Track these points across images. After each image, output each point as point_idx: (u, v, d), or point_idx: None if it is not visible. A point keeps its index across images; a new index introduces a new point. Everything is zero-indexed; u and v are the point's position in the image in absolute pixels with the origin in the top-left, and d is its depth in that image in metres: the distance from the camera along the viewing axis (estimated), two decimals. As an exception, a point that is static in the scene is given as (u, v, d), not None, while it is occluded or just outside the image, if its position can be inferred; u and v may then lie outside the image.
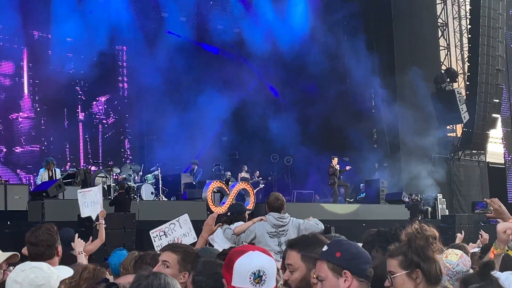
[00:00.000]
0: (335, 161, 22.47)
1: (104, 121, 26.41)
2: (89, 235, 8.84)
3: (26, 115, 24.28)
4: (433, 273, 3.40)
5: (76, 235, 6.77)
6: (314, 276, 3.33)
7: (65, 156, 24.74)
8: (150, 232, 7.10)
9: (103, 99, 26.40)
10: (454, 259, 4.29)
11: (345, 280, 3.22)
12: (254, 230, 7.83)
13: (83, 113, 25.75)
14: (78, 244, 6.62)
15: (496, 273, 3.84)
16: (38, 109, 24.52)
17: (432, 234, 3.43)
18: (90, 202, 9.80)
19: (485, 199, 6.77)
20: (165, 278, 3.03)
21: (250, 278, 3.04)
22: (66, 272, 3.48)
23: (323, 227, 8.11)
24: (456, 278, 4.29)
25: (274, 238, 7.73)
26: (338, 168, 22.49)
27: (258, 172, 24.02)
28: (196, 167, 22.49)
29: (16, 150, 23.83)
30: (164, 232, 6.47)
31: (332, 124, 25.93)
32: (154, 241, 6.52)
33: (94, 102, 26.07)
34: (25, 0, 22.93)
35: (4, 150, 23.43)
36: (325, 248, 3.32)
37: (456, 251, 4.46)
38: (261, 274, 3.05)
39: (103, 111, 26.39)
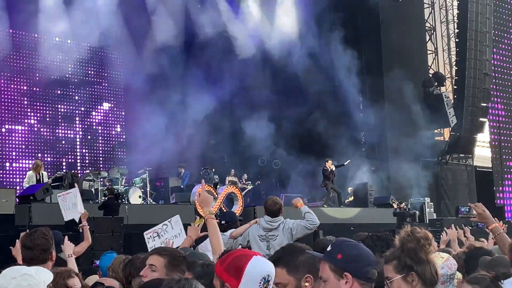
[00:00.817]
0: (329, 163, 22.47)
1: (94, 125, 26.37)
2: (77, 239, 8.81)
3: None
4: (428, 275, 3.40)
5: (66, 237, 6.73)
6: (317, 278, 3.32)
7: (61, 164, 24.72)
8: (144, 233, 7.10)
9: (92, 103, 26.36)
10: (439, 262, 4.29)
11: (346, 282, 3.19)
12: (249, 233, 7.88)
13: (76, 121, 25.72)
14: (68, 247, 6.56)
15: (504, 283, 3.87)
16: (31, 120, 24.49)
17: (423, 236, 3.43)
18: (71, 204, 9.73)
19: (469, 204, 6.87)
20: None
21: (260, 283, 3.06)
22: (48, 276, 3.36)
23: (317, 223, 8.07)
24: (440, 281, 4.29)
25: (264, 241, 7.76)
26: (333, 169, 22.48)
27: (246, 175, 24.01)
28: (183, 170, 22.44)
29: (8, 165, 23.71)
30: (157, 233, 6.47)
31: (320, 128, 25.94)
32: (148, 243, 6.51)
33: (81, 107, 26.03)
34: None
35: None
36: (328, 248, 3.31)
37: (442, 254, 4.45)
38: (269, 279, 3.09)
39: (93, 116, 26.36)
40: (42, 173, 17.61)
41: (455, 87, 28.28)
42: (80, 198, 9.85)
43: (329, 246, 3.32)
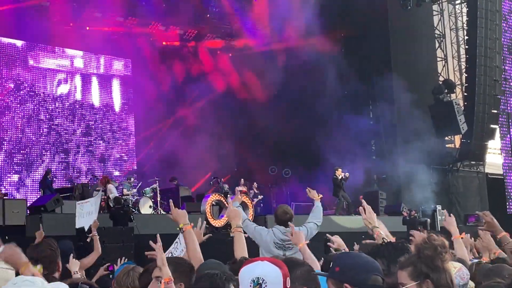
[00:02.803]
0: (339, 171, 22.40)
1: (103, 135, 26.42)
2: (87, 249, 8.79)
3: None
4: (444, 283, 3.36)
5: (71, 256, 6.68)
6: None
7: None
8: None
9: (97, 113, 26.45)
10: (452, 272, 4.24)
11: None
12: (262, 234, 7.77)
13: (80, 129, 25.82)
14: (73, 264, 6.51)
15: None
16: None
17: (440, 244, 3.40)
18: (86, 213, 9.77)
19: (476, 212, 6.85)
20: None
21: (250, 285, 3.06)
22: None
23: (321, 219, 8.18)
24: None
25: (280, 249, 7.67)
26: (343, 177, 22.38)
27: (256, 184, 23.94)
28: (177, 181, 22.25)
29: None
30: (171, 253, 6.45)
31: (331, 135, 25.89)
32: None
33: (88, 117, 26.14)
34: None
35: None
36: (331, 264, 3.31)
37: (455, 264, 4.39)
38: (260, 281, 3.05)
39: (101, 126, 26.42)
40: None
41: (465, 94, 28.18)
42: (98, 207, 9.88)
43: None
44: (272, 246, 7.68)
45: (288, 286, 3.10)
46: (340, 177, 22.25)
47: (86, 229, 9.67)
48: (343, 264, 3.24)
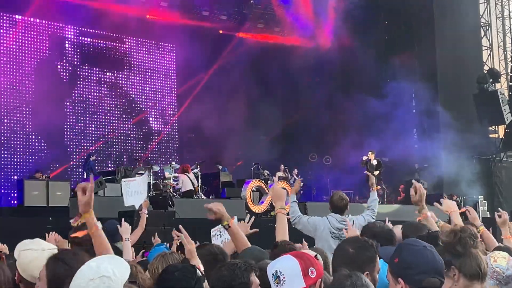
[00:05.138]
0: (369, 154, 22.17)
1: (148, 120, 26.63)
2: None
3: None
4: (468, 268, 3.39)
5: (123, 219, 6.84)
6: None
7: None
8: (211, 230, 7.19)
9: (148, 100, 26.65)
10: (503, 263, 4.15)
11: (401, 287, 3.19)
12: (316, 224, 7.75)
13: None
14: (125, 230, 6.69)
15: None
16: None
17: (461, 229, 3.44)
18: (134, 191, 9.92)
19: None
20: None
21: (272, 279, 3.27)
22: (125, 272, 3.10)
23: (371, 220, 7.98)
24: (506, 282, 4.17)
25: (336, 239, 7.56)
26: (373, 162, 22.11)
27: (296, 170, 23.90)
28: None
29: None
30: (220, 232, 6.55)
31: (372, 124, 25.76)
32: (213, 240, 6.62)
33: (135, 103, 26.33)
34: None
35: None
36: (393, 250, 3.35)
37: (503, 254, 4.29)
38: (278, 274, 3.23)
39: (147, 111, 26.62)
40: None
41: (510, 83, 27.80)
42: (147, 187, 10.05)
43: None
44: (328, 236, 7.60)
45: (313, 276, 3.22)
46: (365, 159, 22.02)
47: (136, 208, 9.87)
48: (402, 258, 3.20)
